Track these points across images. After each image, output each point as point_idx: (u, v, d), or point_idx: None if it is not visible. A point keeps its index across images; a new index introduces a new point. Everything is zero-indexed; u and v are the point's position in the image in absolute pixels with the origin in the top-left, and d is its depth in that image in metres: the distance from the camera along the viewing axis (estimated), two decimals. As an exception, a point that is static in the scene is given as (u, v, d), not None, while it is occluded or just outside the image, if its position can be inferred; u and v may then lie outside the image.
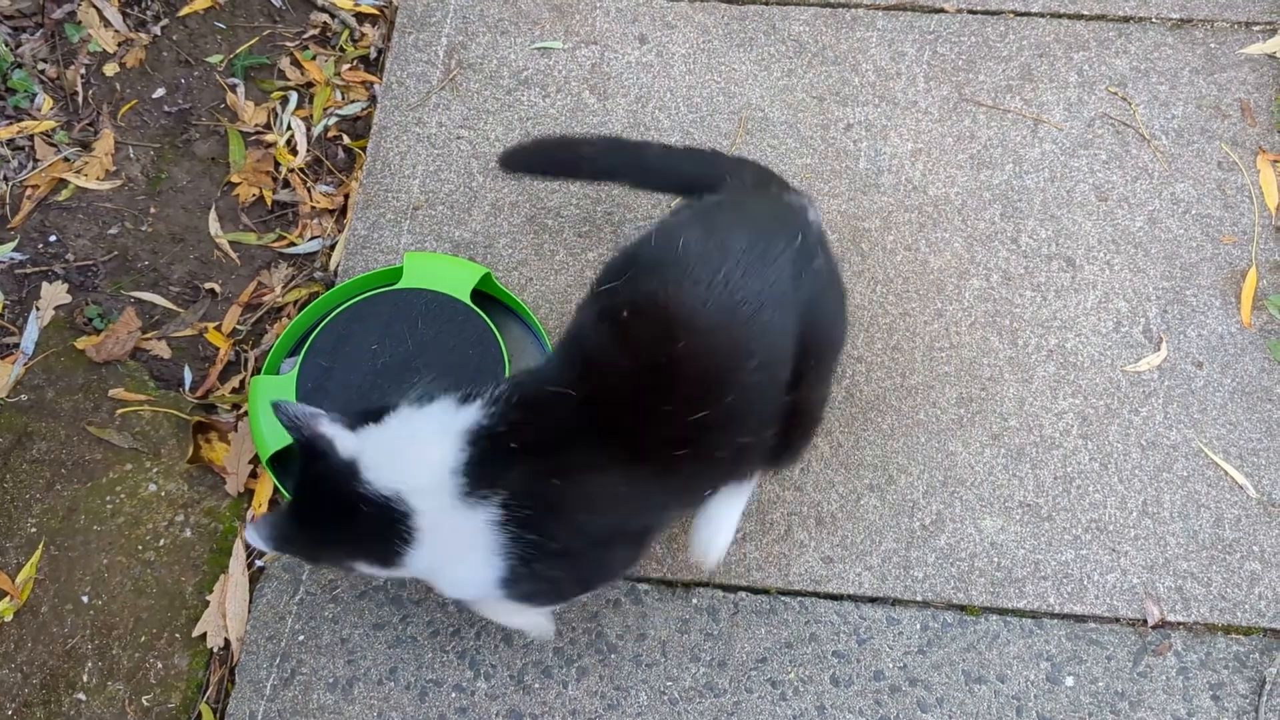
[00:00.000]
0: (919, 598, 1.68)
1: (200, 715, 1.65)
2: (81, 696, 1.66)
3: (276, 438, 1.69)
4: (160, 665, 1.68)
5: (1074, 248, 1.92)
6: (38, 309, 1.92)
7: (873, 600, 1.69)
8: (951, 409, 1.80)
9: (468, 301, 1.77)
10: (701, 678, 1.63)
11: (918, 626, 1.66)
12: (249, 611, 1.70)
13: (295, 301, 1.95)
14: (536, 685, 1.63)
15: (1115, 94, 2.05)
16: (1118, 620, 1.66)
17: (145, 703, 1.65)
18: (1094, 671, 1.62)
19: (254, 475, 1.81)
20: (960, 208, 1.95)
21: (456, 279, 1.80)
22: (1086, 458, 1.76)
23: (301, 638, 1.67)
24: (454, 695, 1.63)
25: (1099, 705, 1.60)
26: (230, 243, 2.01)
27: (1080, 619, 1.66)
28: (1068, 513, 1.73)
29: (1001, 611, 1.67)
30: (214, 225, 2.02)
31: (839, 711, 1.60)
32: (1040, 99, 2.04)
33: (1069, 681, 1.62)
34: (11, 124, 2.08)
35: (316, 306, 1.83)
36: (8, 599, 1.71)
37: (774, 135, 2.02)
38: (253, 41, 2.19)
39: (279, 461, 1.71)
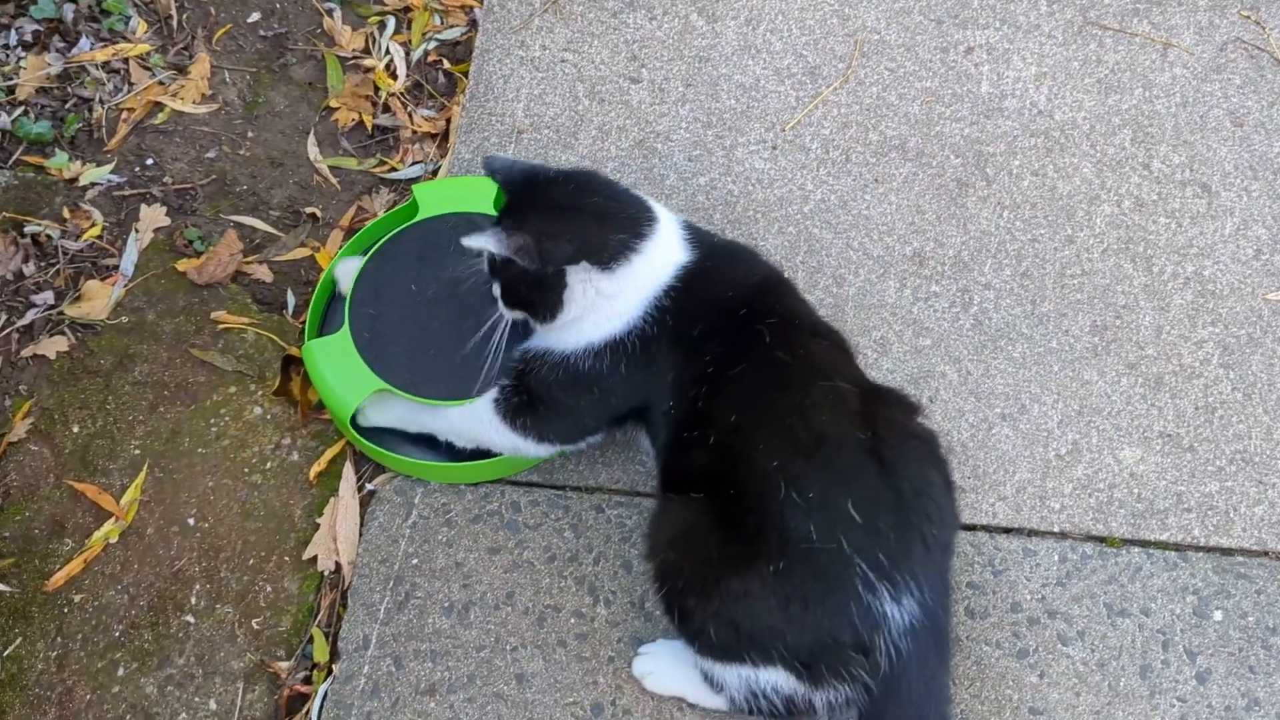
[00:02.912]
0: (1056, 529, 1.61)
1: (312, 639, 1.61)
2: (190, 619, 1.62)
3: (353, 391, 1.61)
4: (270, 588, 1.64)
5: (1209, 174, 1.84)
6: (136, 231, 1.88)
7: (1007, 531, 1.62)
8: (1085, 337, 1.73)
9: (494, 214, 1.69)
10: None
11: (1055, 558, 1.59)
12: (360, 535, 1.65)
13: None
14: (658, 612, 1.57)
15: (1248, 18, 1.96)
16: (1267, 554, 1.59)
17: (255, 625, 1.61)
18: (1243, 606, 1.55)
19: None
20: (1089, 133, 1.87)
21: (474, 197, 1.72)
22: (1229, 387, 1.69)
23: (415, 561, 1.62)
24: (573, 621, 1.57)
25: (1249, 640, 1.53)
26: (330, 168, 1.96)
27: (1227, 552, 1.59)
28: (1210, 444, 1.65)
29: (1144, 544, 1.60)
30: (313, 150, 1.97)
31: (976, 644, 1.54)
32: (1169, 23, 1.96)
33: (1217, 615, 1.55)
34: (106, 46, 2.03)
35: (334, 265, 1.77)
36: (113, 520, 1.67)
37: (891, 58, 1.95)
38: (347, -34, 2.14)
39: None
